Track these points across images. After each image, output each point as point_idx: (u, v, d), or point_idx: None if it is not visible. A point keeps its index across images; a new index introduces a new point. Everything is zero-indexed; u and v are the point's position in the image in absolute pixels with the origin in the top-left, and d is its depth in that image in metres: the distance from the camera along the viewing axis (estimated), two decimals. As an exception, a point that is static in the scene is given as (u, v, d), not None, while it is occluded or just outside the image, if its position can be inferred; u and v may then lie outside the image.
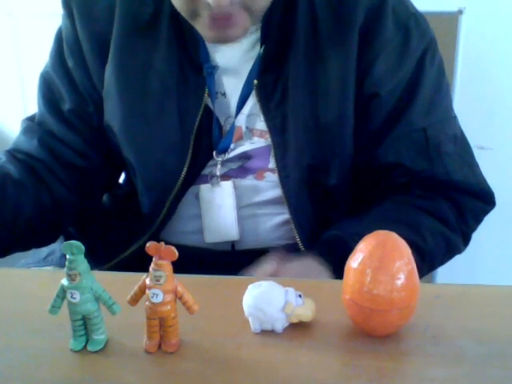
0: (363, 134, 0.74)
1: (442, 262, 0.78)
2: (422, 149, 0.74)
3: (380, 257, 0.46)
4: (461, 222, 0.76)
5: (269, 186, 0.78)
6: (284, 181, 0.75)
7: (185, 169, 0.76)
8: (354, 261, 0.47)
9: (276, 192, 0.78)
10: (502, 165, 1.29)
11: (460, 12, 1.04)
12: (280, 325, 0.49)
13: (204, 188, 0.79)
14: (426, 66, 0.73)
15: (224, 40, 0.68)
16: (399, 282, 0.45)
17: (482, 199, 0.78)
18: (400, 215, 0.73)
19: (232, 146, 0.77)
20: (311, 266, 0.66)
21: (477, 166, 0.79)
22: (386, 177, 0.76)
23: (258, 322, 0.49)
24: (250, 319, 0.49)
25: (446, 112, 0.77)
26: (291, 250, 0.80)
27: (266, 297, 0.48)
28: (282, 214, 0.79)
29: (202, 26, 0.67)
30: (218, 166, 0.77)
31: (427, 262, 0.72)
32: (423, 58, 0.73)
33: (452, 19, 1.03)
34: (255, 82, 0.74)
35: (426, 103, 0.74)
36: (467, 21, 1.04)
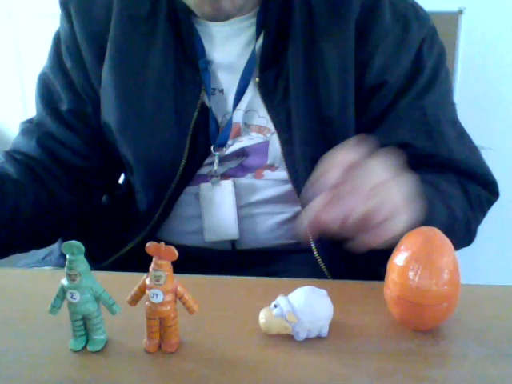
0: (363, 122, 0.74)
1: (461, 240, 0.73)
2: (421, 126, 0.73)
3: (428, 253, 0.47)
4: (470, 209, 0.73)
5: (268, 184, 0.79)
6: (294, 176, 0.75)
7: (182, 165, 0.76)
8: (400, 258, 0.48)
9: (275, 191, 0.78)
10: (502, 165, 1.29)
11: (460, 12, 1.04)
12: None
13: (204, 187, 0.79)
14: (424, 54, 0.74)
15: (217, 14, 0.68)
16: (447, 276, 0.46)
17: (487, 187, 0.76)
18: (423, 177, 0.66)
19: (230, 142, 0.77)
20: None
21: (479, 152, 0.78)
22: None
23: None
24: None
25: (444, 96, 0.77)
26: (292, 250, 0.80)
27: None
28: (282, 214, 0.79)
29: (194, 1, 0.67)
30: (216, 161, 0.77)
31: (456, 226, 0.67)
32: (421, 47, 0.74)
33: (452, 19, 1.04)
34: (257, 79, 0.74)
35: (423, 87, 0.74)
36: (467, 21, 1.04)
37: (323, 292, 0.48)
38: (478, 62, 1.24)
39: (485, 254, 1.38)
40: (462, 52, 1.05)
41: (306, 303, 0.47)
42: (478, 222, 0.77)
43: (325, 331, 0.49)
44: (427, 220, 0.58)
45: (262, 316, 0.48)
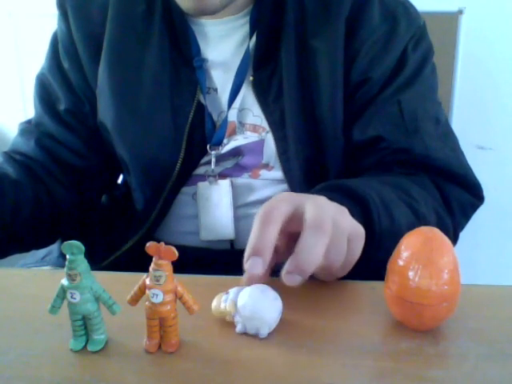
0: (346, 118, 0.74)
1: None
2: (397, 121, 0.73)
3: (428, 253, 0.47)
4: (446, 212, 0.72)
5: (264, 184, 0.79)
6: (288, 175, 0.76)
7: (178, 164, 0.76)
8: (400, 258, 0.48)
9: (271, 191, 0.79)
10: (502, 165, 1.29)
11: (460, 12, 1.04)
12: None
13: (202, 185, 0.79)
14: (408, 51, 0.74)
15: (202, 9, 0.68)
16: (447, 276, 0.46)
17: (469, 190, 0.74)
18: (384, 179, 0.68)
19: (225, 140, 0.77)
20: (333, 205, 0.53)
21: (462, 153, 0.77)
22: (367, 154, 0.74)
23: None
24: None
25: (427, 94, 0.76)
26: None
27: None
28: None
29: None
30: (213, 160, 0.77)
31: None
32: (407, 45, 0.74)
33: (452, 19, 1.04)
34: (251, 78, 0.74)
35: (403, 83, 0.74)
36: (467, 21, 1.04)
37: (275, 295, 0.49)
38: (478, 62, 1.24)
39: (485, 254, 1.38)
40: (462, 52, 1.05)
41: (250, 299, 0.48)
42: (460, 226, 0.75)
43: (263, 332, 0.48)
44: (386, 225, 0.58)
45: (215, 299, 0.51)
